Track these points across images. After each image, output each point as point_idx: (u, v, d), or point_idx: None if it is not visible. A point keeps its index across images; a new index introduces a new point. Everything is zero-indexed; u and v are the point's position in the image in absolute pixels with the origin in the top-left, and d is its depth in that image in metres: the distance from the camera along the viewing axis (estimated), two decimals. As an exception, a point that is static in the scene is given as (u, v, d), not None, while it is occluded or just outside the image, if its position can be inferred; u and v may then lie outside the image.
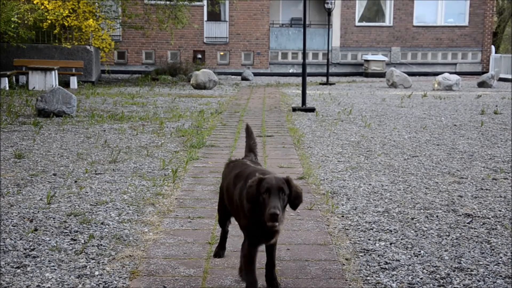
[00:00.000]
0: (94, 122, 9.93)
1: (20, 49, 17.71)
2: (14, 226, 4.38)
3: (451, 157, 7.43)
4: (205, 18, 25.88)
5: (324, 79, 22.27)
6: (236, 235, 4.29)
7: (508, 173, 6.53)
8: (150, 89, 17.43)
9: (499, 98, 16.05)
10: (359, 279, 3.53)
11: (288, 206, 3.11)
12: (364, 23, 27.11)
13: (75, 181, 5.81)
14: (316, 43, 26.52)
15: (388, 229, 4.48)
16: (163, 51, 25.74)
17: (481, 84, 20.36)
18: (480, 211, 4.98)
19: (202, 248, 4.02)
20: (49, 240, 4.10)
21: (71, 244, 4.04)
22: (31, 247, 3.95)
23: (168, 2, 20.53)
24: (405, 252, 3.99)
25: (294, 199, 3.08)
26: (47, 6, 17.98)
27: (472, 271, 3.66)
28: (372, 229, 4.48)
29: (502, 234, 4.40)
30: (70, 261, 3.74)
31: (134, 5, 21.68)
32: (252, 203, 3.05)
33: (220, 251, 3.84)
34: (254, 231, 3.14)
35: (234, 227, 4.50)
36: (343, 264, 3.77)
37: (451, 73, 21.47)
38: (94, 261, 3.75)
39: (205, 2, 25.39)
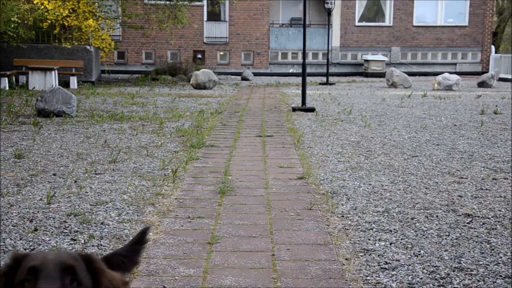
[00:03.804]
0: (94, 122, 9.92)
1: (20, 49, 17.70)
2: (14, 226, 4.38)
3: (451, 157, 7.43)
4: (205, 18, 25.87)
5: (324, 79, 22.26)
6: (236, 235, 4.29)
7: (508, 173, 6.53)
8: (150, 89, 17.43)
9: (499, 98, 16.05)
10: (359, 279, 3.53)
11: None
12: (364, 23, 27.10)
13: (75, 181, 5.80)
14: (316, 43, 26.51)
15: (388, 229, 4.48)
16: (163, 51, 25.73)
17: (481, 84, 20.35)
18: (480, 211, 4.98)
19: (202, 248, 4.02)
20: (49, 240, 4.10)
21: (71, 244, 4.04)
22: (31, 247, 3.95)
23: (168, 2, 20.51)
24: (405, 252, 3.99)
25: None
26: (47, 6, 17.97)
27: (472, 271, 3.66)
28: (372, 229, 4.48)
29: (502, 234, 4.40)
30: (70, 261, 3.74)
31: (134, 5, 21.66)
32: None
33: None
34: None
35: (233, 226, 4.50)
36: (343, 264, 3.77)
37: (451, 73, 21.46)
38: (94, 261, 3.74)
39: (205, 2, 25.37)
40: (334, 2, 22.66)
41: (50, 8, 17.94)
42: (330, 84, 21.12)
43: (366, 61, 26.19)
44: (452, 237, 4.30)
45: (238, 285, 3.42)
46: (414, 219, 4.73)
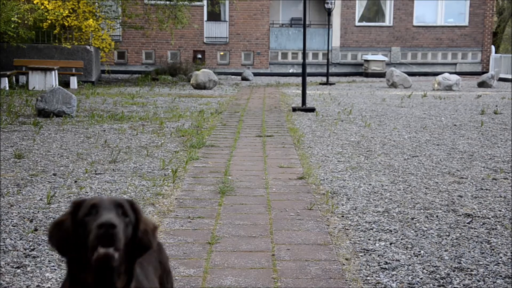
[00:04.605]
0: (94, 122, 9.92)
1: (20, 49, 17.69)
2: (14, 226, 4.38)
3: (451, 157, 7.43)
4: (205, 18, 25.86)
5: (324, 79, 22.25)
6: (236, 235, 4.29)
7: (508, 173, 6.53)
8: (150, 89, 17.43)
9: (499, 98, 16.05)
10: (359, 279, 3.53)
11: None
12: (364, 23, 27.10)
13: (75, 181, 5.81)
14: (316, 43, 26.50)
15: (388, 229, 4.48)
16: (163, 51, 25.72)
17: (481, 84, 20.35)
18: (480, 211, 4.98)
19: (202, 248, 4.02)
20: (49, 240, 4.10)
21: (71, 244, 4.04)
22: (31, 247, 3.95)
23: (168, 2, 20.51)
24: (405, 252, 3.99)
25: (143, 236, 1.82)
26: (47, 6, 17.96)
27: (472, 271, 3.66)
28: (372, 229, 4.48)
29: (502, 234, 4.40)
30: (70, 261, 3.74)
31: (134, 5, 21.65)
32: (66, 251, 1.79)
33: None
34: None
35: (233, 226, 4.50)
36: (343, 264, 3.77)
37: (451, 73, 21.45)
38: (94, 261, 3.74)
39: (205, 2, 25.37)
40: (334, 2, 22.66)
41: (50, 8, 17.93)
42: (330, 84, 21.12)
43: (366, 61, 26.18)
44: (452, 237, 4.30)
45: (238, 285, 3.42)
46: (414, 219, 4.73)
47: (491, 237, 4.31)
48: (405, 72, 22.03)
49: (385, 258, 3.87)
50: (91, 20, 18.29)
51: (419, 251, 3.99)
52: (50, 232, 1.82)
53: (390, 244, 4.15)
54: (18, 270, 3.57)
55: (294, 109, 12.40)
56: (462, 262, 3.81)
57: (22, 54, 17.85)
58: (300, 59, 26.24)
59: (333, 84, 21.21)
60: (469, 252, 4.00)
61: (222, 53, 26.20)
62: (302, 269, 3.66)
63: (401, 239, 4.25)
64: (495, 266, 3.74)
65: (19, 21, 17.16)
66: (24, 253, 3.84)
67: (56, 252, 1.78)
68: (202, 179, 6.08)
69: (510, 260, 3.86)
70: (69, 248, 1.77)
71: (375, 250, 4.01)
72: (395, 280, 3.51)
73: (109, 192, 5.40)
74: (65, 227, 1.78)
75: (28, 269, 3.59)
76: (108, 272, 1.73)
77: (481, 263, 3.80)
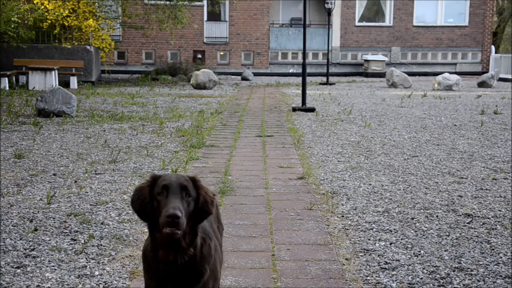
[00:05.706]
0: (94, 122, 9.92)
1: (20, 49, 17.69)
2: (14, 226, 4.38)
3: (451, 157, 7.43)
4: (205, 18, 25.87)
5: (324, 79, 22.26)
6: (236, 235, 4.29)
7: (508, 173, 6.53)
8: (150, 89, 17.43)
9: (499, 98, 16.05)
10: (359, 279, 3.53)
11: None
12: (364, 23, 27.11)
13: (75, 181, 5.80)
14: (316, 43, 26.51)
15: (388, 229, 4.48)
16: (163, 51, 25.73)
17: (481, 84, 20.35)
18: (480, 211, 4.98)
19: (202, 248, 4.01)
20: (49, 240, 4.10)
21: (71, 244, 4.04)
22: (31, 247, 3.95)
23: (168, 2, 20.51)
24: (405, 252, 3.99)
25: (202, 206, 2.32)
26: (47, 6, 17.97)
27: (472, 271, 3.66)
28: (372, 229, 4.48)
29: (502, 234, 4.40)
30: (70, 261, 3.74)
31: (134, 5, 21.66)
32: (143, 214, 2.31)
33: None
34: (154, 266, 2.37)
35: (233, 226, 4.50)
36: (343, 264, 3.77)
37: (451, 73, 21.45)
38: (94, 261, 3.75)
39: (205, 2, 25.37)
40: (334, 2, 22.65)
41: (50, 8, 17.94)
42: (330, 84, 21.12)
43: (366, 61, 26.19)
44: (452, 237, 4.30)
45: (238, 285, 3.42)
46: (414, 219, 4.73)
47: (491, 237, 4.31)
48: (405, 72, 22.04)
49: (385, 258, 3.87)
50: (91, 20, 18.29)
51: (419, 251, 4.00)
52: (132, 197, 2.33)
53: (390, 244, 4.15)
54: (18, 270, 3.57)
55: (294, 109, 12.40)
56: (462, 262, 3.81)
57: (22, 54, 17.85)
58: (300, 59, 26.25)
59: (333, 84, 21.21)
60: (469, 252, 4.00)
61: (222, 53, 26.20)
62: (302, 269, 3.66)
63: (401, 239, 4.25)
64: (495, 266, 3.74)
65: (19, 21, 17.16)
66: (24, 253, 3.84)
67: (137, 216, 2.36)
68: (202, 179, 6.04)
69: (510, 260, 3.86)
70: (146, 214, 2.28)
71: (375, 250, 4.01)
72: (395, 280, 3.51)
73: (109, 192, 5.40)
74: (144, 195, 2.29)
75: (28, 269, 3.59)
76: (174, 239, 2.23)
77: (481, 263, 3.80)
